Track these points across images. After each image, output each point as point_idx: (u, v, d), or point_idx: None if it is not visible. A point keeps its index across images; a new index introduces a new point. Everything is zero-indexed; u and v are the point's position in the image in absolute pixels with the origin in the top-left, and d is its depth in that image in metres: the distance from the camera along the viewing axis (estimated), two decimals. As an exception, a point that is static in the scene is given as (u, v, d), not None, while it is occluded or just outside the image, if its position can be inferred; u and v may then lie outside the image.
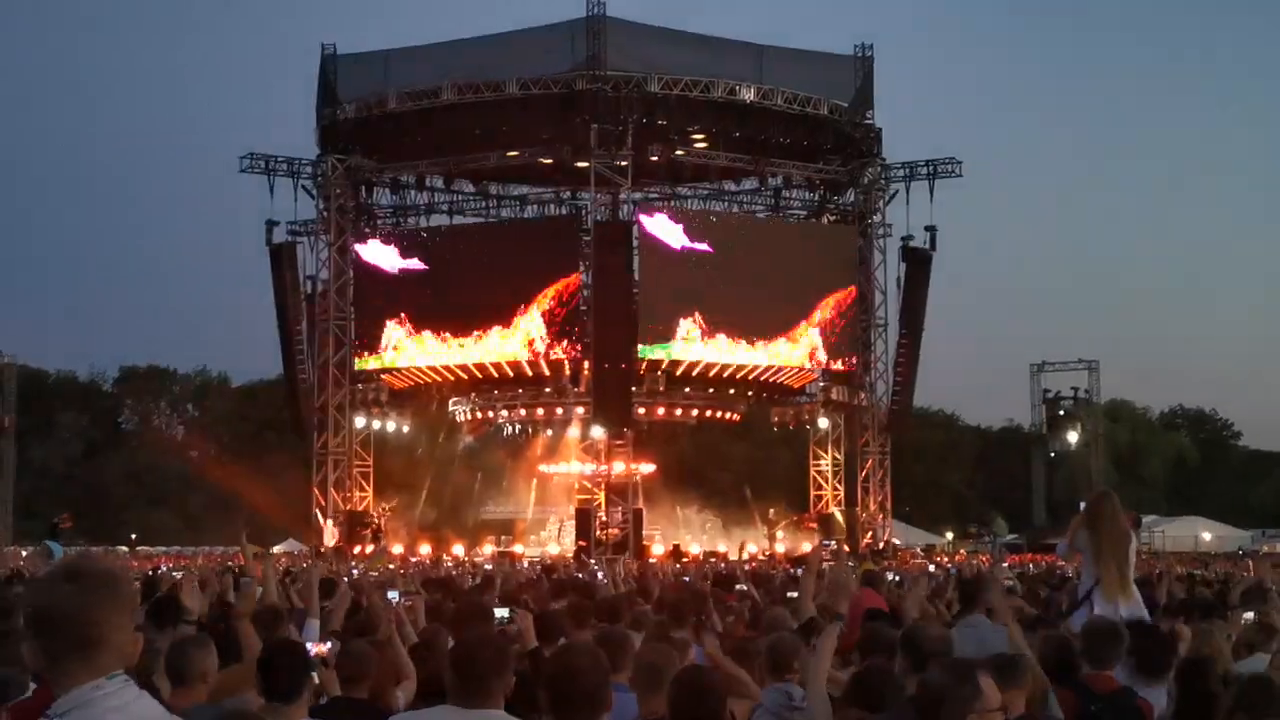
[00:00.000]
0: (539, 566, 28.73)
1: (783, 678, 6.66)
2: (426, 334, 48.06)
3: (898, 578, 19.16)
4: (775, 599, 13.31)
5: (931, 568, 30.94)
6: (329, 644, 7.75)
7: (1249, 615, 8.72)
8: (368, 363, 49.02)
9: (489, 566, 27.79)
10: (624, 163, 45.23)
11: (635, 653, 6.86)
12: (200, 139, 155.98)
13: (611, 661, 6.50)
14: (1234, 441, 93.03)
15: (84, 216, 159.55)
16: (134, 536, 58.45)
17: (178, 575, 15.77)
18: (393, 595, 11.15)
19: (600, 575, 21.27)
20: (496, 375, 48.18)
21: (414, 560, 39.19)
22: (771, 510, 51.49)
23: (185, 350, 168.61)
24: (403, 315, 48.27)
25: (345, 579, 16.91)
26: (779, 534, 49.46)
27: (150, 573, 26.28)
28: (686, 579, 18.48)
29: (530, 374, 47.46)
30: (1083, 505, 10.88)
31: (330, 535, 47.47)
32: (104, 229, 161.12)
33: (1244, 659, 7.66)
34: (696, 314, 46.85)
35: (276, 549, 50.60)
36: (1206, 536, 63.05)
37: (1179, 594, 13.76)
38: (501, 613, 9.20)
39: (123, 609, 3.55)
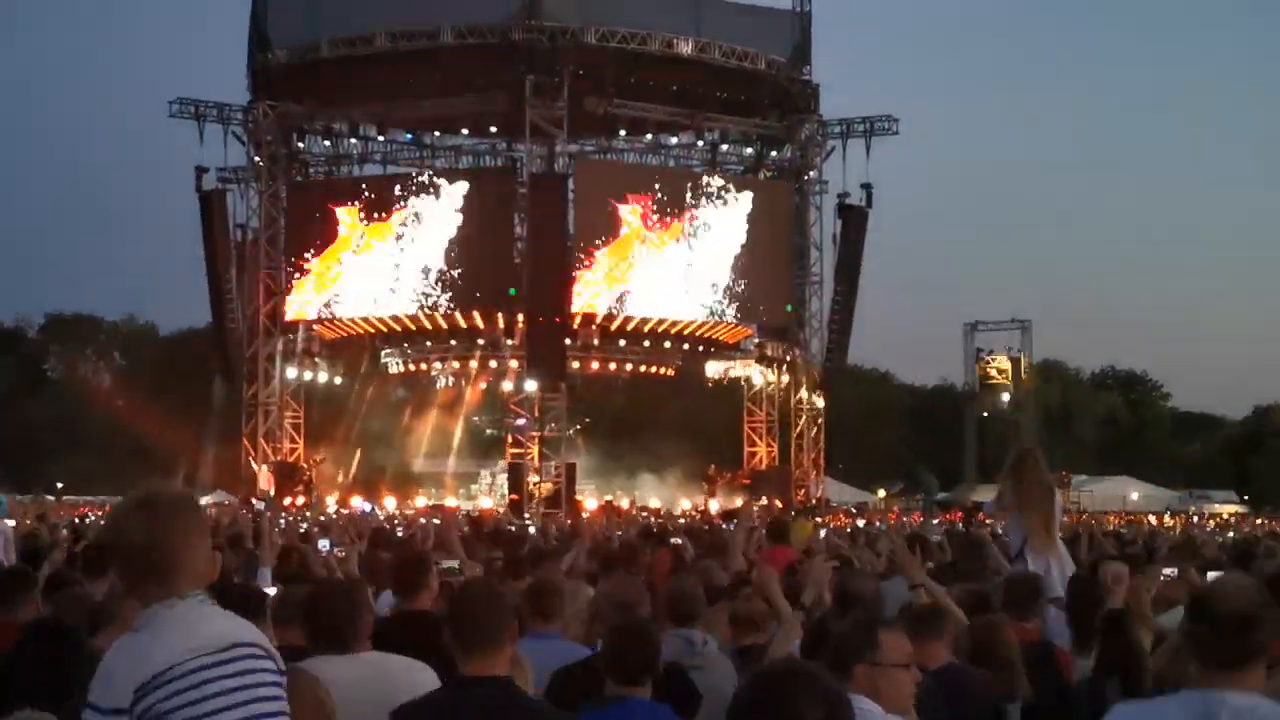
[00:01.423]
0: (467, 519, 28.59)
1: (686, 624, 6.62)
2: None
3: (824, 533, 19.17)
4: (706, 553, 13.26)
5: (861, 523, 31.06)
6: (275, 589, 7.78)
7: (1169, 571, 8.72)
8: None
9: (424, 520, 27.68)
10: (560, 114, 44.93)
11: (601, 589, 6.94)
12: (129, 83, 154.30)
13: (544, 610, 6.59)
14: (1164, 403, 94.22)
15: (9, 161, 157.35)
16: (60, 485, 57.88)
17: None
18: (324, 544, 11.07)
19: (532, 529, 21.24)
20: (430, 327, 47.92)
21: (345, 512, 38.97)
22: (711, 467, 51.60)
23: (113, 298, 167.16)
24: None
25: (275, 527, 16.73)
26: (718, 492, 49.60)
27: (76, 520, 25.93)
28: (619, 532, 18.37)
29: (464, 326, 47.22)
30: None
31: (265, 481, 47.12)
32: (31, 174, 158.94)
33: (1163, 613, 7.70)
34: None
35: (205, 499, 50.31)
36: (1135, 496, 63.93)
37: (1108, 549, 13.79)
38: (451, 564, 9.13)
39: (194, 534, 3.74)
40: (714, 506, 44.86)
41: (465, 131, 51.27)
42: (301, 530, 18.08)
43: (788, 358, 50.98)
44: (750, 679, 3.49)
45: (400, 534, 18.61)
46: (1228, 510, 60.61)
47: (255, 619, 4.87)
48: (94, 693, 3.64)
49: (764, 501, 42.23)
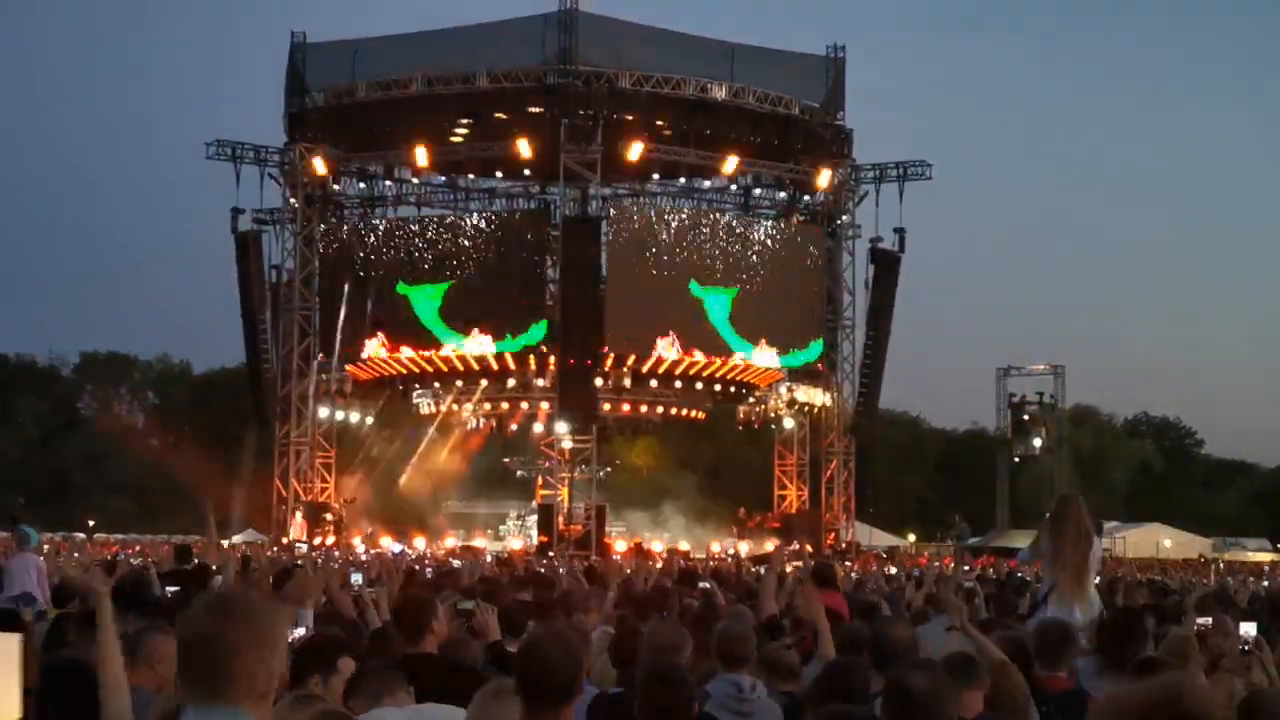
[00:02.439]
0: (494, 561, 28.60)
1: (733, 669, 6.59)
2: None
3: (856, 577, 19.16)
4: (738, 597, 13.25)
5: (893, 569, 30.93)
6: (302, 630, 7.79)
7: (1204, 620, 8.68)
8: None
9: (456, 561, 27.74)
10: (593, 158, 45.15)
11: (646, 631, 6.89)
12: (166, 125, 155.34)
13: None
14: (1197, 450, 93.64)
15: (47, 202, 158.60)
16: (91, 523, 58.07)
17: (135, 563, 15.60)
18: (356, 578, 11.11)
19: (562, 570, 21.20)
20: (461, 368, 48.07)
21: (375, 552, 39.01)
22: (741, 510, 51.47)
23: (147, 337, 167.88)
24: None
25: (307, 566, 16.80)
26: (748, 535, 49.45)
27: (109, 558, 26.07)
28: (648, 576, 18.37)
29: (495, 368, 47.34)
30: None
31: (298, 529, 47.14)
32: (67, 214, 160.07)
33: None
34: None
35: (236, 538, 50.42)
36: (1167, 543, 63.43)
37: (1140, 600, 13.73)
38: (466, 605, 9.15)
39: (262, 643, 3.52)
40: (744, 549, 44.77)
41: (499, 174, 51.50)
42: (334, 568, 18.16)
43: (819, 402, 50.88)
44: None
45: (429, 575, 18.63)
46: (1262, 558, 60.10)
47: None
48: None
49: (794, 546, 42.05)
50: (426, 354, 48.21)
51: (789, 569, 15.80)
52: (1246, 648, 8.59)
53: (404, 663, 6.72)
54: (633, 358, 46.61)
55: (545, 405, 46.50)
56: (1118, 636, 7.85)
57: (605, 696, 6.02)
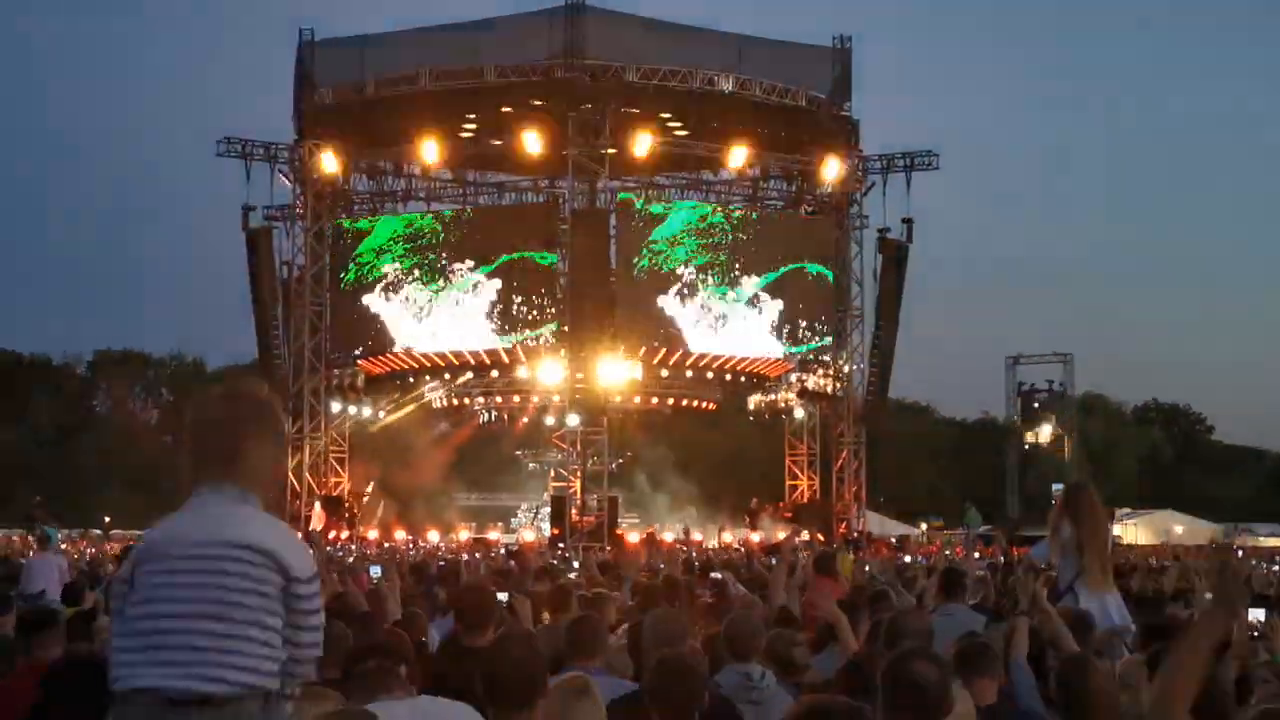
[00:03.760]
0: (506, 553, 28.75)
1: (743, 659, 6.67)
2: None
3: (868, 566, 19.29)
4: (749, 587, 13.38)
5: (907, 558, 31.04)
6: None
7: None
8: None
9: (465, 555, 27.90)
10: (602, 151, 45.26)
11: (646, 620, 6.95)
12: (176, 122, 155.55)
13: (586, 648, 6.61)
14: (1206, 436, 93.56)
15: (58, 200, 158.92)
16: (107, 520, 58.32)
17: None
18: (375, 570, 11.28)
19: (575, 563, 21.33)
20: (473, 361, 48.24)
21: (389, 545, 39.22)
22: (753, 500, 51.62)
23: (160, 335, 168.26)
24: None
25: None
26: (760, 524, 49.58)
27: (124, 549, 26.31)
28: (662, 565, 18.52)
29: (507, 361, 47.52)
30: (1057, 488, 10.91)
31: (317, 520, 47.29)
32: (78, 212, 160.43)
33: None
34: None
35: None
36: (1178, 530, 63.48)
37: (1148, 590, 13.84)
38: (501, 597, 9.30)
39: (266, 429, 3.90)
40: (755, 539, 44.89)
41: (508, 169, 51.61)
42: (349, 562, 18.35)
43: (829, 391, 50.98)
44: (793, 711, 3.62)
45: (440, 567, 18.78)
46: (1273, 544, 60.12)
47: None
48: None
49: (805, 536, 42.18)
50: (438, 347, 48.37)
51: (800, 557, 15.93)
52: (1256, 634, 8.74)
53: (464, 654, 6.85)
54: (643, 349, 46.79)
55: (557, 398, 46.65)
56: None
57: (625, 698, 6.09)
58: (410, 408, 49.94)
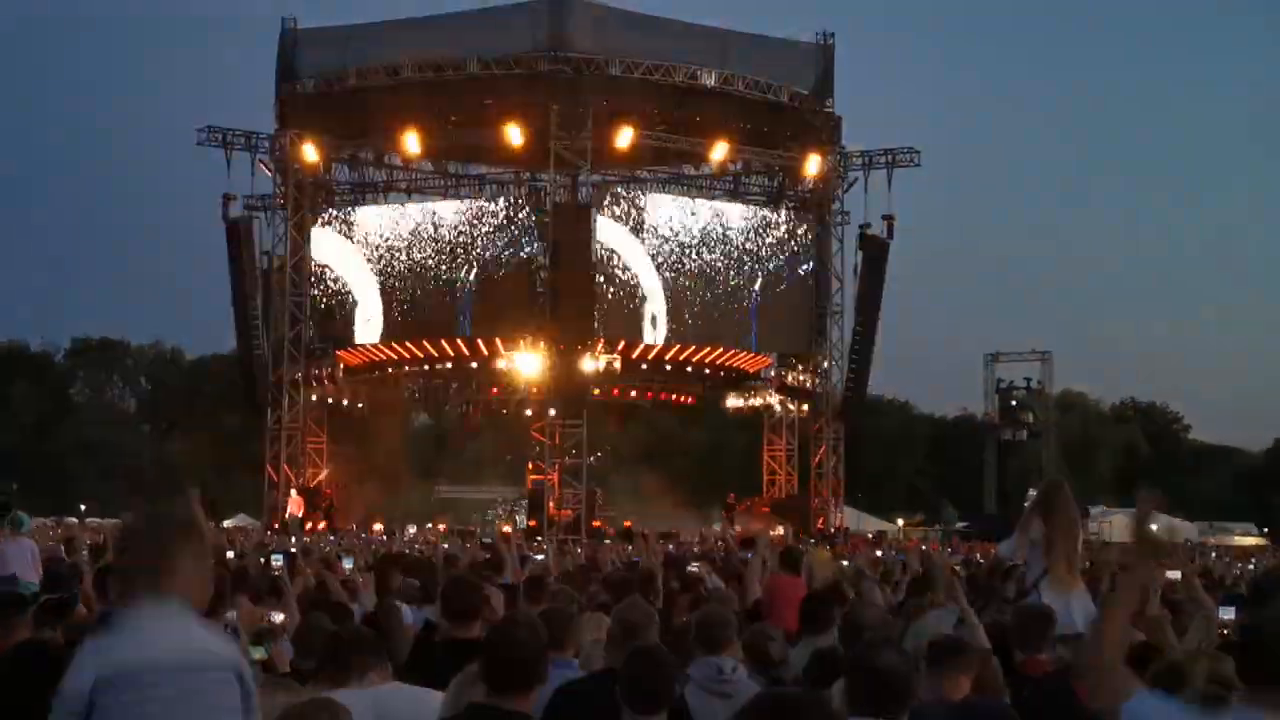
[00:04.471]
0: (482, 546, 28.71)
1: (714, 652, 6.69)
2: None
3: (847, 562, 19.29)
4: (726, 580, 13.41)
5: (879, 552, 31.09)
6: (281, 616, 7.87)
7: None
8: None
9: (445, 545, 27.85)
10: (584, 145, 45.23)
11: (614, 611, 6.94)
12: (157, 111, 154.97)
13: (558, 638, 6.60)
14: (1183, 435, 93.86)
15: (37, 187, 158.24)
16: (83, 508, 58.17)
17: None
18: (348, 564, 11.32)
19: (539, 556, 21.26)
20: (452, 353, 48.20)
21: (365, 537, 39.16)
22: (731, 495, 51.68)
23: (139, 323, 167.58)
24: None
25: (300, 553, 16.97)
26: (736, 518, 49.62)
27: (102, 540, 26.22)
28: (637, 559, 18.53)
29: (485, 353, 47.47)
30: (1032, 491, 10.94)
31: (295, 505, 47.18)
32: (58, 199, 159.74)
33: None
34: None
35: (228, 523, 50.57)
36: (1154, 528, 63.56)
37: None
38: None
39: (194, 554, 3.95)
40: (733, 534, 44.91)
41: (489, 161, 51.53)
42: (326, 551, 18.36)
43: (808, 387, 51.06)
44: (752, 702, 3.62)
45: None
46: (1247, 542, 60.42)
47: None
48: (64, 679, 3.84)
49: (779, 531, 42.22)
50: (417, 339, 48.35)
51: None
52: (1226, 631, 8.78)
53: (453, 647, 6.80)
54: (622, 343, 46.80)
55: (535, 390, 46.59)
56: None
57: (577, 681, 6.09)
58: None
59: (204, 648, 3.89)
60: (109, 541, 18.85)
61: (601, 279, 46.83)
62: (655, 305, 48.23)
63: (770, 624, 8.50)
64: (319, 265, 49.59)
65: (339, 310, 49.76)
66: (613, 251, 47.66)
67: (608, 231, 47.57)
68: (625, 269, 47.92)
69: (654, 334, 48.14)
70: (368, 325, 49.39)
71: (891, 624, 7.50)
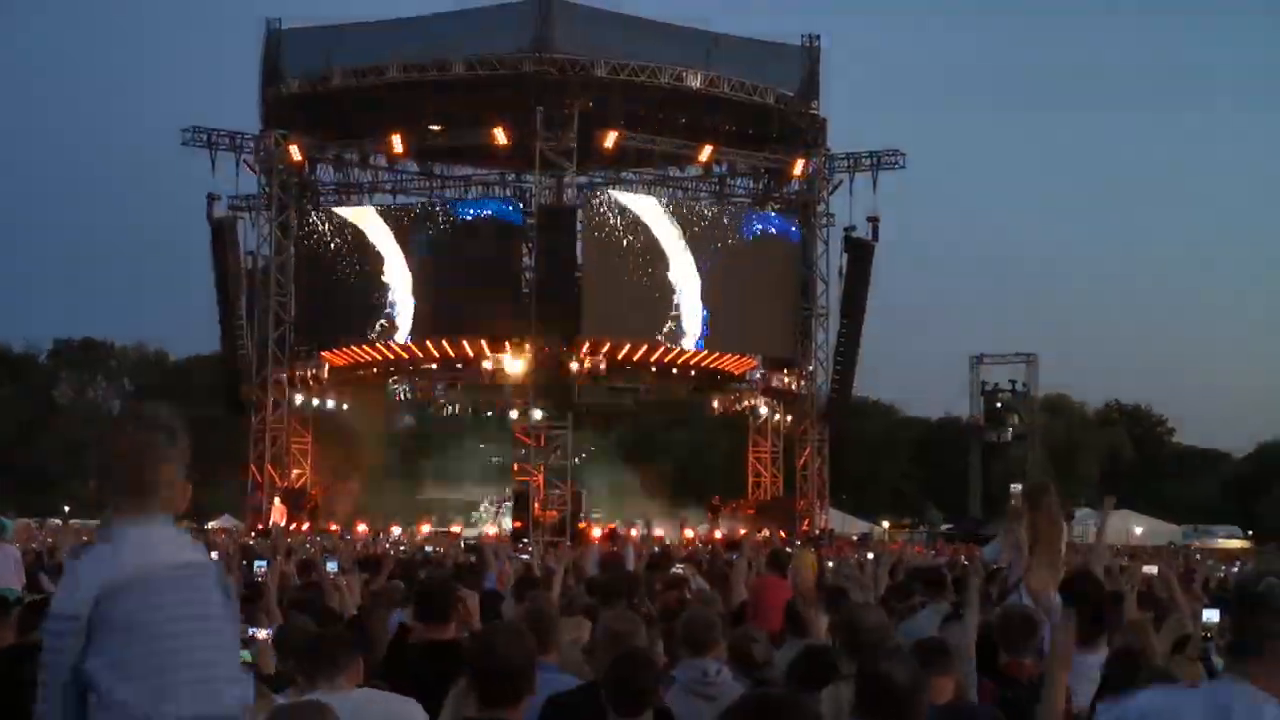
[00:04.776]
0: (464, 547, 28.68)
1: (699, 654, 6.66)
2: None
3: (832, 563, 19.29)
4: (710, 582, 13.39)
5: (870, 555, 31.08)
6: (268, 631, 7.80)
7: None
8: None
9: (429, 548, 27.84)
10: (569, 146, 45.21)
11: (599, 620, 6.91)
12: (142, 111, 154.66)
13: (541, 641, 6.55)
14: (1167, 438, 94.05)
15: (19, 188, 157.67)
16: (67, 509, 58.00)
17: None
18: (331, 566, 11.28)
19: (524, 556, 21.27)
20: (437, 355, 48.13)
21: (349, 539, 39.11)
22: (715, 497, 51.67)
23: (122, 324, 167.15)
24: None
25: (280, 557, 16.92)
26: (721, 519, 49.62)
27: (84, 541, 26.18)
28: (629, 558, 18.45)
29: (471, 354, 47.41)
30: (1016, 489, 10.91)
31: (277, 513, 47.09)
32: (39, 200, 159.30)
33: None
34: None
35: (211, 524, 50.43)
36: (1138, 530, 63.82)
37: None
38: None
39: (172, 460, 3.89)
40: (718, 536, 44.88)
41: (474, 162, 51.49)
42: (311, 553, 18.31)
43: (793, 389, 51.08)
44: (736, 703, 3.59)
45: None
46: (1231, 546, 60.55)
47: None
48: (55, 601, 3.80)
49: (765, 533, 42.26)
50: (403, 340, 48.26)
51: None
52: (1209, 635, 8.78)
53: (428, 649, 6.79)
54: (608, 344, 46.76)
55: (520, 391, 46.51)
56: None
57: (566, 693, 6.06)
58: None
59: (194, 556, 3.89)
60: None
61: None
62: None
63: (755, 626, 8.48)
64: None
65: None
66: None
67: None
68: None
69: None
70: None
71: (889, 627, 7.44)
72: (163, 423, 3.95)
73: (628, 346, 47.36)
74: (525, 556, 16.75)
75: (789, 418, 51.94)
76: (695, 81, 46.69)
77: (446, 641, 6.85)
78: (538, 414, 45.83)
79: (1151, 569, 9.35)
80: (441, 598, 7.18)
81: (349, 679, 5.46)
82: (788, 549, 18.97)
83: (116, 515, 3.83)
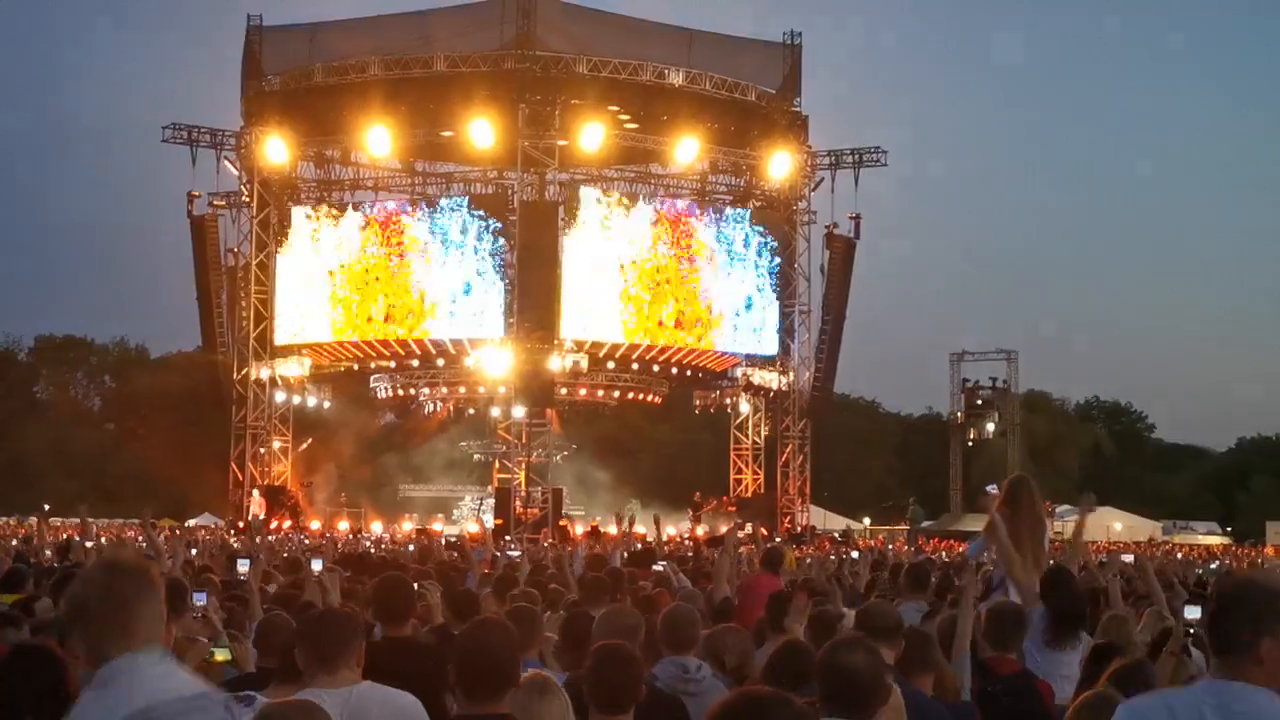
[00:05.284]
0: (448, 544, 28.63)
1: (681, 651, 6.65)
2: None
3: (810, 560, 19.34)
4: (692, 578, 13.41)
5: (855, 553, 31.11)
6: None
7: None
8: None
9: (411, 545, 27.80)
10: (551, 143, 45.16)
11: (600, 615, 6.93)
12: (122, 108, 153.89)
13: (522, 638, 6.54)
14: (1147, 434, 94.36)
15: None
16: (46, 507, 57.74)
17: (89, 544, 15.68)
18: (316, 565, 11.27)
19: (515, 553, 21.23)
20: (419, 352, 48.04)
21: (331, 536, 39.04)
22: (697, 493, 51.68)
23: (104, 321, 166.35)
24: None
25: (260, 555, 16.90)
26: (702, 516, 49.60)
27: (64, 539, 26.10)
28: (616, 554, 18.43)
29: (453, 351, 47.33)
30: (990, 488, 10.86)
31: (257, 506, 46.96)
32: (20, 196, 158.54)
33: None
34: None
35: (192, 522, 50.30)
36: (1118, 526, 64.04)
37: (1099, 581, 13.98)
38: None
39: (150, 599, 3.94)
40: (700, 533, 44.89)
41: (456, 159, 51.38)
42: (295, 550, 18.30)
43: (775, 386, 51.09)
44: (724, 701, 3.60)
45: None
46: (1210, 541, 60.80)
47: None
48: None
49: (748, 530, 42.26)
50: (384, 337, 48.12)
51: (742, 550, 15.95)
52: (1191, 630, 8.81)
53: (388, 646, 6.78)
54: (589, 341, 46.72)
55: (502, 389, 46.47)
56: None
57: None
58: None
59: (196, 688, 3.91)
60: (74, 537, 18.87)
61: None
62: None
63: (740, 622, 8.51)
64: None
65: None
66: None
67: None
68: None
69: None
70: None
71: (902, 620, 7.45)
72: (135, 568, 4.03)
73: (609, 344, 47.30)
74: (514, 553, 16.72)
75: (770, 414, 52.00)
76: (677, 78, 46.68)
77: (405, 638, 6.93)
78: (519, 411, 45.78)
79: (1128, 557, 9.37)
80: (400, 596, 7.24)
81: (348, 671, 5.42)
82: (782, 547, 18.95)
83: (106, 659, 3.86)
